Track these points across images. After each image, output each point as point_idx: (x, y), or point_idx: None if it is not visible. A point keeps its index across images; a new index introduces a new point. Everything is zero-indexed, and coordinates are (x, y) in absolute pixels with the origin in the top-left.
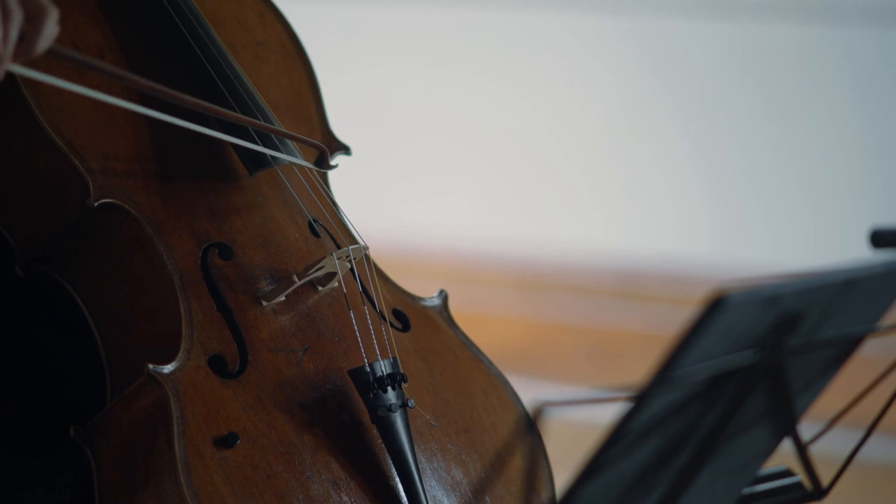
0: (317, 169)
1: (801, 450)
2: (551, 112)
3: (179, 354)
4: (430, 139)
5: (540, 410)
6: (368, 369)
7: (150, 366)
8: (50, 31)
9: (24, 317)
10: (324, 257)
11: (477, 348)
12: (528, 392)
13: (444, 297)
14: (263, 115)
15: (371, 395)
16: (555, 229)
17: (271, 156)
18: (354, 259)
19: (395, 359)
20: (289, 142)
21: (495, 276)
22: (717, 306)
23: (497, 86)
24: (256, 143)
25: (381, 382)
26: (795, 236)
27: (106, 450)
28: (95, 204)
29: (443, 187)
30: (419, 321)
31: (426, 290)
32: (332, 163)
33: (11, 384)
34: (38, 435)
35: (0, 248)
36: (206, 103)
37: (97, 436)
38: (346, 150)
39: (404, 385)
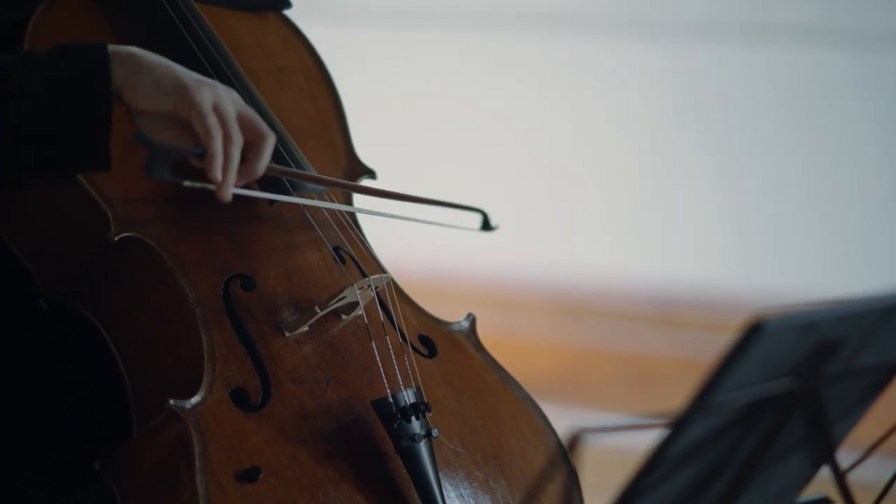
0: (479, 231)
1: (840, 477)
2: (587, 137)
3: (201, 388)
4: (463, 164)
5: (576, 437)
6: (391, 400)
7: (172, 401)
8: (268, 154)
9: (49, 350)
10: (345, 287)
11: (506, 372)
12: (565, 418)
13: (471, 320)
14: (286, 146)
15: (395, 426)
16: (592, 255)
17: (293, 185)
18: (377, 288)
19: (419, 388)
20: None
21: (532, 302)
22: (754, 333)
23: (531, 110)
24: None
25: (405, 412)
26: (833, 264)
27: (130, 484)
28: (116, 238)
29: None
30: (446, 346)
31: (461, 316)
32: (493, 224)
33: (36, 418)
34: (63, 469)
35: (24, 282)
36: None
37: (122, 470)
38: (371, 173)
39: (429, 414)
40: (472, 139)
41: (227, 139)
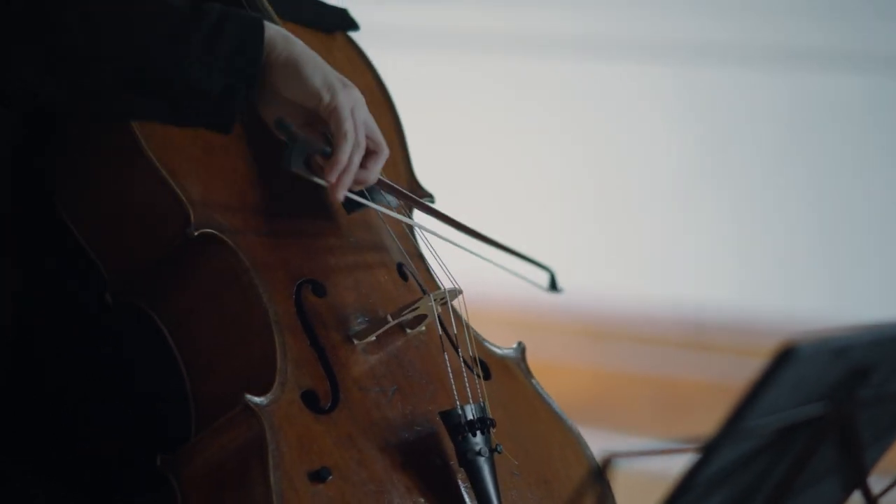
0: (548, 291)
1: (871, 503)
2: (618, 162)
3: (274, 387)
4: (496, 190)
5: (608, 461)
6: (460, 412)
7: (247, 396)
8: (381, 165)
9: (108, 345)
10: (419, 298)
11: (553, 402)
12: (596, 442)
13: (522, 349)
14: None
15: (461, 438)
16: (622, 278)
17: (373, 198)
18: (449, 301)
19: (483, 404)
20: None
21: (562, 326)
22: (786, 357)
23: (564, 136)
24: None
25: (472, 426)
26: (867, 289)
27: (193, 481)
28: (195, 234)
29: (510, 236)
30: (499, 371)
31: (495, 339)
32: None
33: (94, 413)
34: (122, 465)
35: (90, 276)
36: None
37: (184, 466)
38: (430, 197)
39: (492, 430)
40: (503, 162)
41: (355, 146)
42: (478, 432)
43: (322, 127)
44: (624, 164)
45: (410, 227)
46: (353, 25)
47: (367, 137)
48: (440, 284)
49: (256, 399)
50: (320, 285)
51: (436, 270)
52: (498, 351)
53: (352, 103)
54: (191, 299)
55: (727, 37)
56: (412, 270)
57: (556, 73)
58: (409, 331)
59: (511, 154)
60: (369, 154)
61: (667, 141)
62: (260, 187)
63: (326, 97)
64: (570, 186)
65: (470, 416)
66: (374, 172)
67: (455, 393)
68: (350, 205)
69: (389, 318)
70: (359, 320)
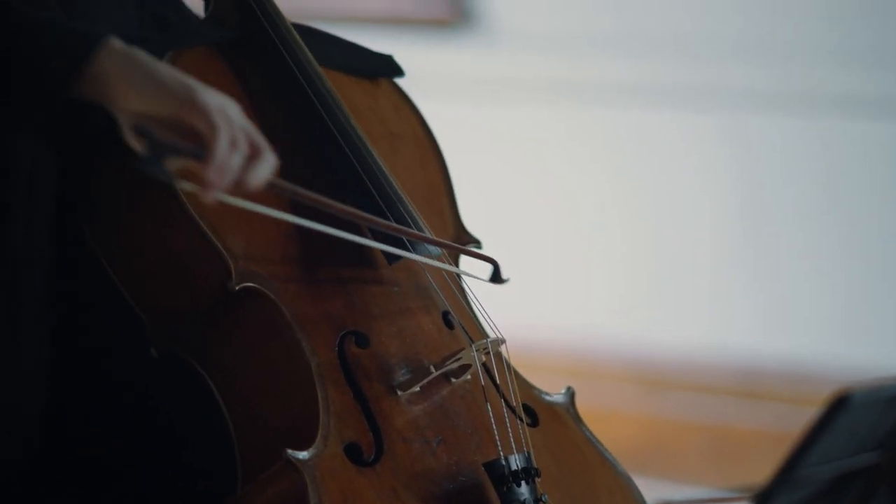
0: (489, 282)
1: None
2: (670, 209)
3: (317, 441)
4: (545, 236)
5: None
6: (504, 462)
7: (289, 451)
8: (265, 171)
9: (156, 399)
10: (462, 349)
11: (603, 447)
12: (650, 491)
13: (571, 394)
14: (405, 207)
15: (505, 489)
16: (675, 326)
17: (412, 247)
18: (491, 351)
19: (528, 453)
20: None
21: (616, 374)
22: (840, 406)
23: (612, 183)
24: (407, 248)
25: (516, 476)
26: None
27: None
28: (237, 288)
29: (563, 284)
30: (547, 417)
31: (547, 386)
32: (504, 277)
33: (140, 466)
34: None
35: (136, 329)
36: (366, 215)
37: None
38: (477, 243)
39: (538, 480)
40: (551, 209)
41: (231, 143)
42: (523, 482)
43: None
44: (676, 211)
45: (453, 276)
46: (399, 72)
47: (247, 140)
48: (485, 333)
49: (299, 454)
50: (363, 336)
51: (480, 319)
52: (546, 397)
53: (220, 104)
54: (234, 352)
55: (768, 84)
56: (456, 319)
57: (602, 121)
58: (453, 380)
59: (559, 201)
60: (251, 157)
61: (717, 187)
62: (301, 239)
63: (183, 96)
64: (621, 233)
65: (514, 467)
66: (256, 175)
67: (499, 442)
68: (392, 256)
69: (433, 368)
70: (402, 371)
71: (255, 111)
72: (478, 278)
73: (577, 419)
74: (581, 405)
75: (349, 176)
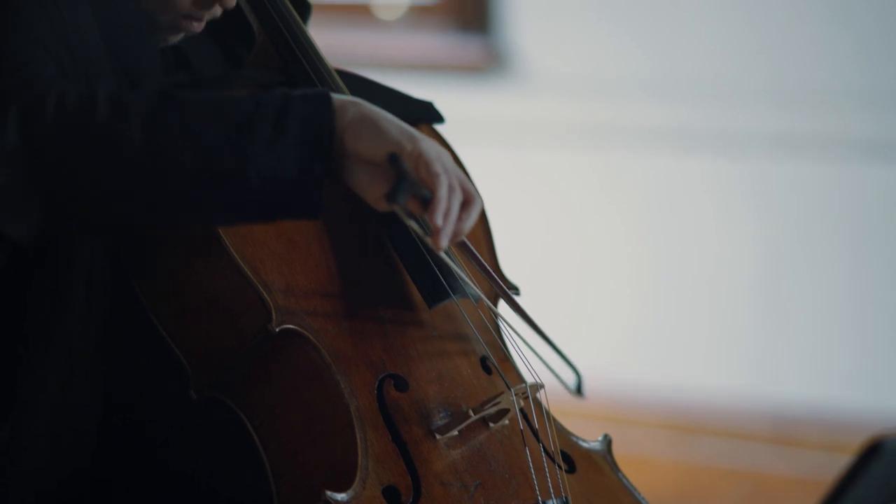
0: (574, 395)
1: None
2: (702, 255)
3: (355, 483)
4: (583, 282)
5: None
6: None
7: (328, 493)
8: (476, 215)
9: (195, 441)
10: (501, 393)
11: (640, 494)
12: None
13: (608, 441)
14: (447, 252)
15: None
16: (708, 373)
17: (452, 289)
18: (530, 396)
19: (567, 499)
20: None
21: (649, 420)
22: (873, 453)
23: (648, 229)
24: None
25: None
26: None
27: None
28: (277, 330)
29: (596, 329)
30: (584, 464)
31: (580, 432)
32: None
33: None
34: None
35: (176, 371)
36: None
37: None
38: (516, 290)
39: None
40: (585, 255)
41: (450, 189)
42: None
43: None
44: (709, 257)
45: (491, 319)
46: (439, 118)
47: (461, 187)
48: (523, 377)
49: (337, 496)
50: (402, 380)
51: (518, 363)
52: (584, 444)
53: (436, 151)
54: (273, 394)
55: (799, 129)
56: (495, 363)
57: (634, 165)
58: (491, 425)
59: (593, 245)
60: (463, 204)
61: (750, 232)
62: (341, 282)
63: (408, 146)
64: (653, 278)
65: None
66: (470, 221)
67: (537, 488)
68: (432, 299)
69: (471, 412)
70: (441, 415)
71: None
72: (513, 329)
73: (615, 467)
74: (615, 451)
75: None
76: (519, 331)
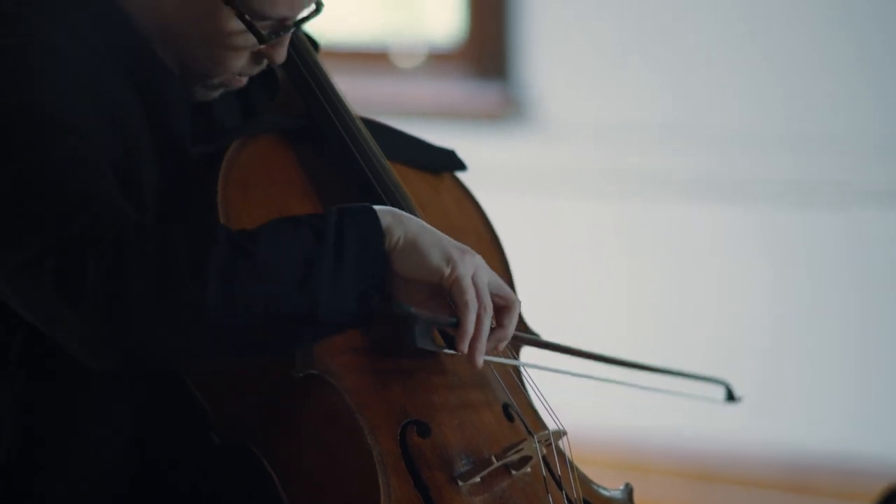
0: (728, 402)
1: None
2: (718, 303)
3: None
4: (601, 329)
5: None
6: None
7: None
8: (515, 319)
9: (217, 484)
10: (524, 440)
11: None
12: None
13: (629, 490)
14: None
15: None
16: (723, 420)
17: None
18: (553, 443)
19: None
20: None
21: (664, 468)
22: (891, 501)
23: (664, 278)
24: None
25: None
26: None
27: None
28: (300, 375)
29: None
30: None
31: (602, 481)
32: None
33: None
34: None
35: (198, 414)
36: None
37: None
38: (535, 336)
39: None
40: (605, 302)
41: (481, 310)
42: None
43: (447, 295)
44: (724, 304)
45: (515, 367)
46: (461, 166)
47: (495, 295)
48: (545, 425)
49: None
50: (425, 426)
51: (541, 411)
52: (605, 492)
53: (472, 269)
54: (296, 438)
55: (821, 176)
56: (517, 410)
57: (651, 212)
58: (514, 472)
59: (609, 294)
60: (501, 310)
61: (766, 279)
62: (367, 329)
63: (447, 271)
64: (668, 326)
65: None
66: (510, 328)
67: None
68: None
69: (494, 459)
70: (463, 461)
71: (320, 199)
72: (536, 367)
73: None
74: (636, 500)
75: None
76: (547, 377)
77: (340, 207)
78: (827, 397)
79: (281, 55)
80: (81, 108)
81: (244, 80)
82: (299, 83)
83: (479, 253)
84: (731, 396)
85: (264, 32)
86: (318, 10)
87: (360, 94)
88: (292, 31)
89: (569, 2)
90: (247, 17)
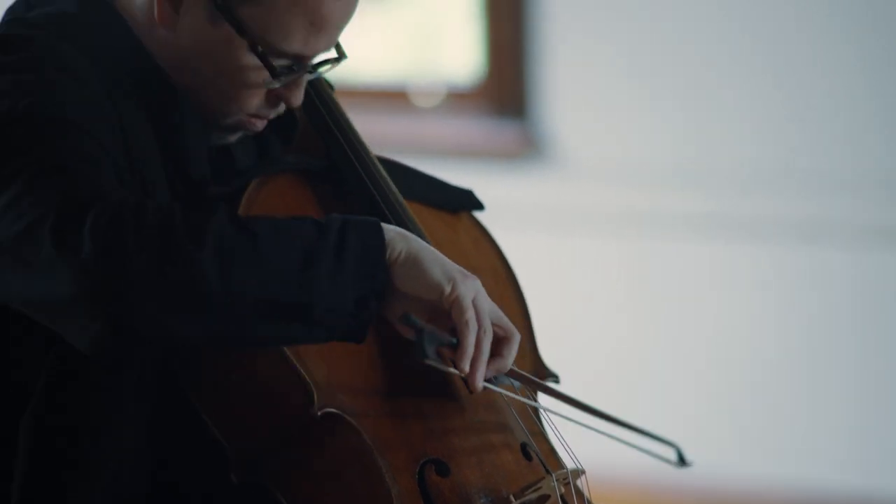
0: (677, 466)
1: None
2: (740, 343)
3: None
4: (621, 369)
5: None
6: None
7: None
8: (514, 351)
9: None
10: (542, 478)
11: None
12: None
13: None
14: None
15: None
16: (745, 460)
17: (495, 378)
18: (571, 482)
19: None
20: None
21: None
22: None
23: (681, 318)
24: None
25: None
26: None
27: None
28: (319, 413)
29: (631, 411)
30: None
31: None
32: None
33: None
34: None
35: (217, 454)
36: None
37: None
38: (555, 377)
39: None
40: (623, 340)
41: (482, 332)
42: None
43: (447, 318)
44: (746, 345)
45: (534, 408)
46: (479, 205)
47: (495, 324)
48: (563, 464)
49: None
50: (444, 465)
51: (559, 450)
52: None
53: (473, 293)
54: (315, 478)
55: (838, 214)
56: (535, 450)
57: (675, 253)
58: None
59: (626, 333)
60: (500, 340)
61: (784, 320)
62: (383, 367)
63: (447, 289)
64: (687, 367)
65: None
66: (509, 358)
67: None
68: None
69: (512, 498)
70: (482, 500)
71: None
72: (557, 414)
73: None
74: None
75: None
76: (564, 415)
77: (345, 215)
78: (850, 437)
79: (297, 97)
80: (89, 116)
81: (261, 124)
82: (318, 123)
83: (495, 291)
84: (682, 460)
85: (277, 68)
86: (338, 60)
87: (378, 132)
88: (308, 73)
89: (586, 41)
90: (260, 48)
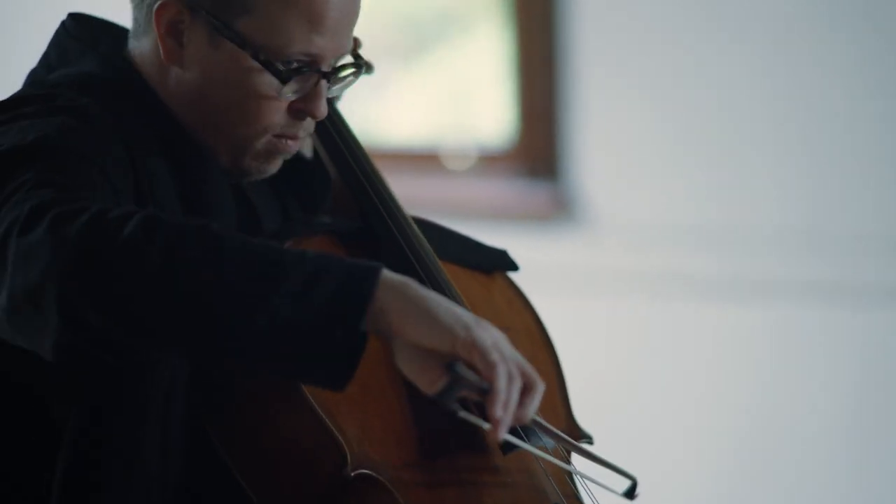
0: (625, 499)
1: None
2: (775, 403)
3: None
4: (656, 429)
5: None
6: None
7: None
8: (538, 400)
9: None
10: None
11: None
12: None
13: None
14: None
15: None
16: None
17: (528, 436)
18: None
19: None
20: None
21: None
22: None
23: (717, 376)
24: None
25: None
26: None
27: None
28: (352, 475)
29: (661, 477)
30: None
31: None
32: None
33: None
34: None
35: None
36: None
37: None
38: (588, 438)
39: None
40: (658, 402)
41: (509, 378)
42: None
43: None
44: (778, 406)
45: (567, 471)
46: (513, 266)
47: (520, 372)
48: None
49: None
50: None
51: None
52: None
53: (492, 338)
54: None
55: (871, 278)
56: None
57: (704, 314)
58: None
59: (661, 395)
60: (524, 390)
61: (822, 382)
62: (416, 427)
63: (461, 333)
64: (721, 429)
65: None
66: (532, 408)
67: None
68: (507, 446)
69: None
70: None
71: None
72: (588, 478)
73: None
74: None
75: None
76: (594, 478)
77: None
78: (885, 486)
79: (318, 107)
80: (100, 152)
81: (293, 144)
82: (352, 184)
83: (529, 352)
84: (630, 493)
85: (282, 70)
86: (359, 69)
87: (410, 194)
88: (324, 77)
89: (618, 103)
90: (262, 56)
